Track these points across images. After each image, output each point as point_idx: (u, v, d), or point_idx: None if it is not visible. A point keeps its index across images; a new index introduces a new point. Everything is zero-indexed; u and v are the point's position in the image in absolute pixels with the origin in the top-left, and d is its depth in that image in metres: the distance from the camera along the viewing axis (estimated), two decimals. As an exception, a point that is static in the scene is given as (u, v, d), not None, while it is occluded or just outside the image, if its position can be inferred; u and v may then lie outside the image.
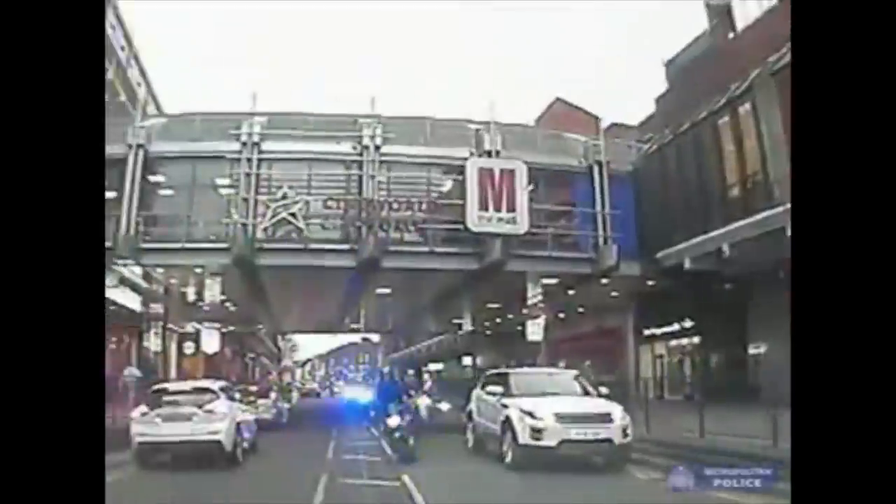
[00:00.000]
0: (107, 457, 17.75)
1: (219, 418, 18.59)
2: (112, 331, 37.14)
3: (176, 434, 18.12)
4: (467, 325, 51.81)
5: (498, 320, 49.41)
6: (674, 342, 38.80)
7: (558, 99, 53.35)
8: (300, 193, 30.68)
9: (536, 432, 17.15)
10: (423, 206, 31.19)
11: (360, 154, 31.54)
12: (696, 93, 31.04)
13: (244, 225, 29.91)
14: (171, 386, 21.43)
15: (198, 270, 33.51)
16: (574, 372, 22.86)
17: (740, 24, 30.68)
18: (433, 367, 77.65)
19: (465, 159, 31.58)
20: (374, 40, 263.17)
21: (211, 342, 46.91)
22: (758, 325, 29.77)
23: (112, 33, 40.61)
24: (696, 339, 36.63)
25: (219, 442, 18.36)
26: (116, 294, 34.23)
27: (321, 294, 42.90)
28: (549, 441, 16.96)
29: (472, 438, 21.71)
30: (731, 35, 31.43)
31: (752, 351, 30.39)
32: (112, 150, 30.06)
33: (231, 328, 52.51)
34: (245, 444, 20.31)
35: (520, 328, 41.03)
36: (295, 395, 60.02)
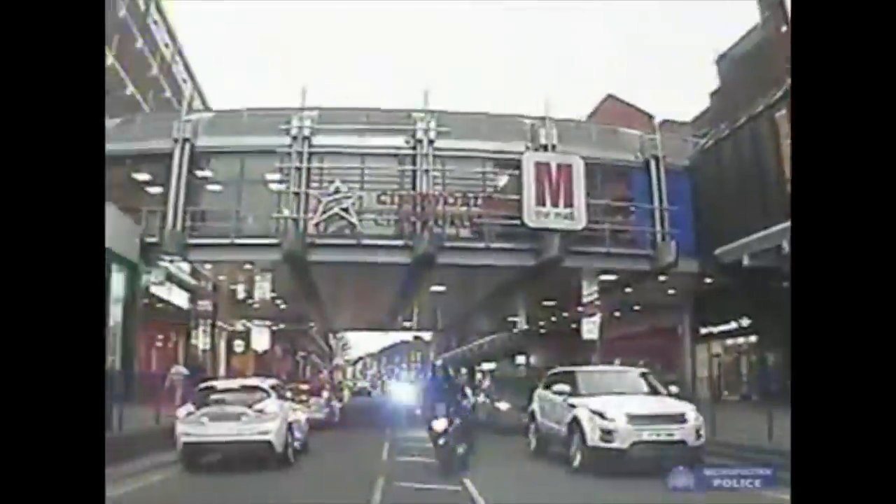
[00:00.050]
0: (152, 457, 17.27)
1: (269, 418, 17.78)
2: (158, 328, 37.07)
3: (224, 434, 17.38)
4: (521, 324, 51.46)
5: (553, 318, 49.12)
6: (730, 341, 38.34)
7: (610, 96, 52.99)
8: (352, 188, 30.28)
9: (607, 434, 16.11)
10: (479, 202, 30.63)
11: (414, 148, 31.30)
12: (751, 87, 30.27)
13: (295, 220, 29.71)
14: (218, 384, 20.58)
15: (247, 267, 33.37)
16: (642, 369, 21.82)
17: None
18: (486, 366, 77.22)
19: (521, 154, 31.22)
20: (426, 38, 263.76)
21: (261, 340, 46.48)
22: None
23: (155, 29, 40.47)
24: (753, 338, 36.06)
25: (269, 442, 17.56)
26: (162, 291, 34.06)
27: (373, 291, 42.62)
28: (620, 443, 15.93)
29: (534, 440, 20.65)
30: (783, 28, 30.34)
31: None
32: (157, 144, 29.97)
33: (281, 326, 52.15)
34: (296, 445, 19.54)
35: (574, 326, 40.27)
36: (347, 393, 59.76)
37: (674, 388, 20.03)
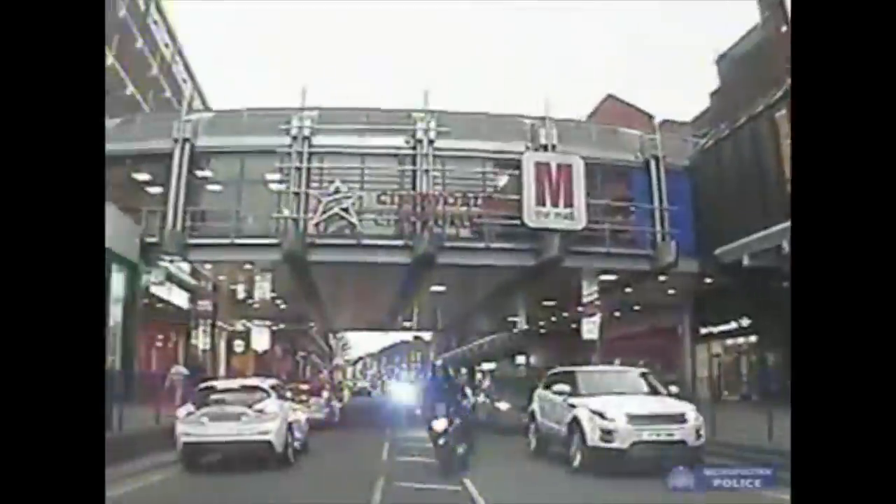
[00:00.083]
0: (151, 457, 17.24)
1: (269, 418, 17.74)
2: (158, 328, 37.05)
3: (224, 434, 17.34)
4: (521, 324, 51.43)
5: (553, 318, 49.07)
6: (730, 341, 38.33)
7: (610, 96, 53.00)
8: (352, 188, 30.26)
9: (607, 434, 16.07)
10: (479, 202, 30.60)
11: (414, 148, 31.29)
12: (751, 87, 30.25)
13: (295, 220, 29.70)
14: (218, 384, 20.54)
15: (247, 267, 33.33)
16: (642, 369, 21.79)
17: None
18: (486, 366, 77.18)
19: (521, 154, 31.20)
20: (426, 38, 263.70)
21: (261, 340, 46.46)
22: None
23: (155, 29, 40.47)
24: (752, 339, 36.00)
25: (269, 442, 17.52)
26: (162, 291, 34.04)
27: (373, 291, 42.60)
28: (620, 443, 15.89)
29: (534, 440, 20.61)
30: (783, 28, 30.33)
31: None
32: (157, 144, 29.98)
33: (282, 326, 52.11)
34: (296, 445, 19.49)
35: (574, 326, 40.23)
36: (346, 393, 59.72)
37: (674, 388, 19.98)
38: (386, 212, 30.34)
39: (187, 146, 30.54)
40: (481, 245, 30.89)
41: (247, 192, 31.43)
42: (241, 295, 38.89)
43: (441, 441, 17.11)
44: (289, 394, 22.30)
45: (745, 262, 28.68)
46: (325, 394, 35.06)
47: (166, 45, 43.52)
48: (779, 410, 16.95)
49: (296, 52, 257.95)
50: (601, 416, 16.34)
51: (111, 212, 27.03)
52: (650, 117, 37.00)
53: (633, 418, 16.16)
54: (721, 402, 29.81)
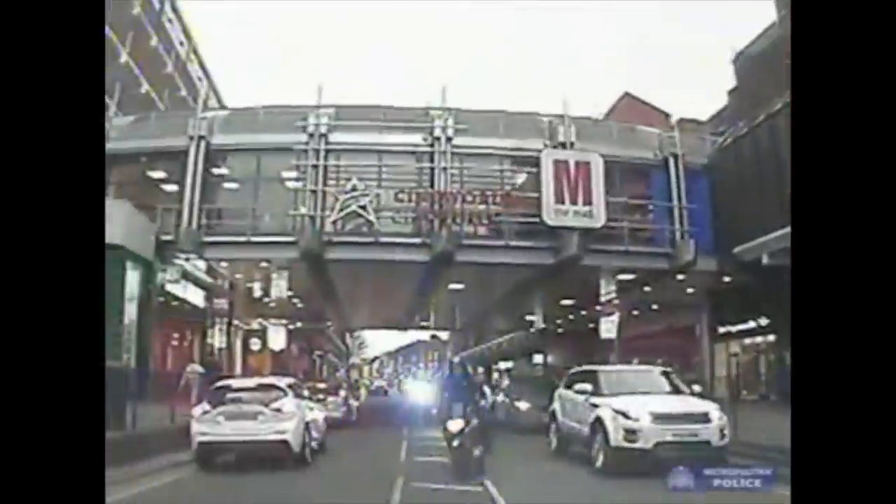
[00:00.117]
0: (166, 456, 17.07)
1: (286, 417, 17.57)
2: (174, 326, 37.02)
3: (240, 433, 17.18)
4: (539, 323, 51.13)
5: (570, 317, 48.77)
6: (748, 340, 37.91)
7: (627, 94, 52.90)
8: (370, 186, 30.09)
9: (631, 434, 15.79)
10: (498, 199, 30.36)
11: (432, 146, 31.07)
12: (769, 84, 29.86)
13: (312, 218, 29.54)
14: (234, 383, 20.29)
15: (264, 265, 33.16)
16: (664, 368, 21.49)
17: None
18: (502, 365, 76.87)
19: (539, 151, 30.92)
20: (442, 38, 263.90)
21: (277, 339, 46.38)
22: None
23: (170, 27, 40.42)
24: (771, 338, 35.46)
25: (286, 442, 17.34)
26: (178, 289, 33.87)
27: (391, 289, 42.48)
28: (643, 443, 15.60)
29: (555, 440, 20.36)
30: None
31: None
32: (172, 142, 29.86)
33: (298, 324, 51.99)
34: (314, 444, 19.30)
35: (592, 325, 39.99)
36: (363, 392, 59.61)
37: (696, 388, 19.67)
38: (404, 209, 30.18)
39: (203, 143, 30.35)
40: (500, 243, 30.64)
41: (263, 189, 31.31)
42: (257, 293, 38.83)
43: (456, 442, 16.57)
44: (306, 393, 22.05)
45: (764, 260, 28.30)
46: (343, 393, 34.92)
47: (181, 44, 43.43)
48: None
49: (311, 51, 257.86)
50: (625, 415, 16.08)
51: (126, 209, 26.90)
52: (667, 116, 36.74)
53: (657, 418, 15.90)
54: (739, 401, 29.57)
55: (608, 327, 36.20)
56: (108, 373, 19.80)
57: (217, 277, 39.06)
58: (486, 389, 28.25)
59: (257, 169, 31.23)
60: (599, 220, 29.96)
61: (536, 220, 30.06)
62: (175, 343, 37.83)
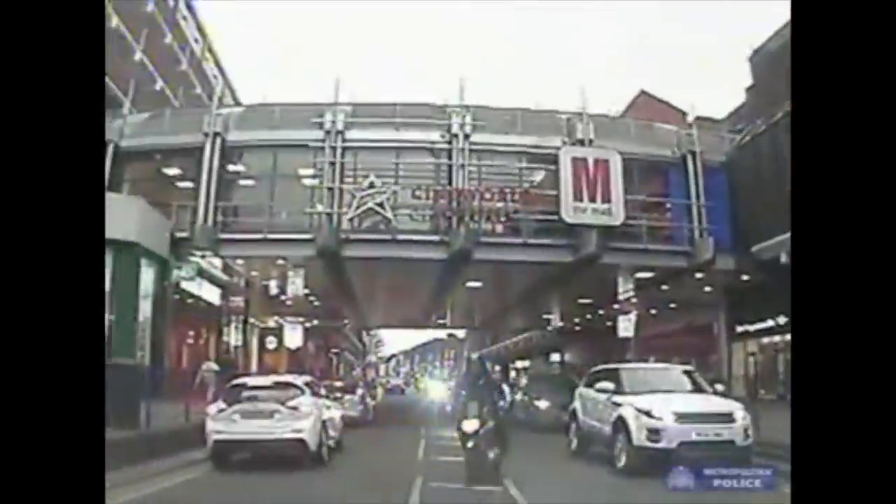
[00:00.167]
0: (181, 455, 16.91)
1: (303, 415, 17.35)
2: (189, 324, 36.91)
3: (256, 432, 16.99)
4: (556, 321, 51.07)
5: (588, 316, 48.54)
6: (766, 339, 37.37)
7: (643, 92, 52.56)
8: (387, 183, 29.95)
9: (654, 433, 15.55)
10: (516, 197, 30.21)
11: (449, 143, 30.86)
12: (787, 82, 29.57)
13: (329, 215, 29.40)
14: (250, 381, 20.10)
15: (280, 262, 32.99)
16: (686, 367, 21.22)
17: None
18: (519, 363, 76.70)
19: (558, 149, 30.71)
20: (458, 37, 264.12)
21: (294, 337, 46.12)
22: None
23: (184, 25, 40.33)
24: (789, 337, 34.90)
25: (303, 441, 17.13)
26: (193, 286, 33.73)
27: (408, 287, 42.37)
28: (667, 443, 15.35)
29: (575, 439, 20.09)
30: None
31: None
32: (187, 139, 29.74)
33: (315, 322, 51.81)
34: (330, 443, 19.16)
35: (609, 324, 39.72)
36: (380, 391, 59.55)
37: (719, 387, 19.39)
38: (421, 207, 30.05)
39: (218, 140, 30.17)
40: (518, 241, 30.44)
41: (279, 186, 31.09)
42: (273, 291, 38.64)
43: (471, 444, 15.51)
44: (323, 391, 21.86)
45: (783, 259, 28.01)
46: (359, 391, 34.76)
47: (196, 41, 43.30)
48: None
49: (326, 50, 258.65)
50: (648, 414, 15.86)
51: (141, 206, 26.77)
52: (684, 114, 36.40)
53: (680, 417, 15.68)
54: (757, 400, 29.44)
55: (626, 326, 36.02)
56: (122, 370, 19.66)
57: (233, 275, 38.99)
58: (505, 388, 27.96)
59: (273, 166, 31.01)
60: (618, 218, 29.72)
61: (555, 217, 29.84)
62: (190, 341, 37.72)
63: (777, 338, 36.01)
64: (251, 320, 46.40)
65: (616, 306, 37.32)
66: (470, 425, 15.45)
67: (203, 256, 31.45)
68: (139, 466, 15.78)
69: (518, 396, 31.77)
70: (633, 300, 36.10)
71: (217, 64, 47.65)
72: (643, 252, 31.25)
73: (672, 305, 41.30)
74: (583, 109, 31.69)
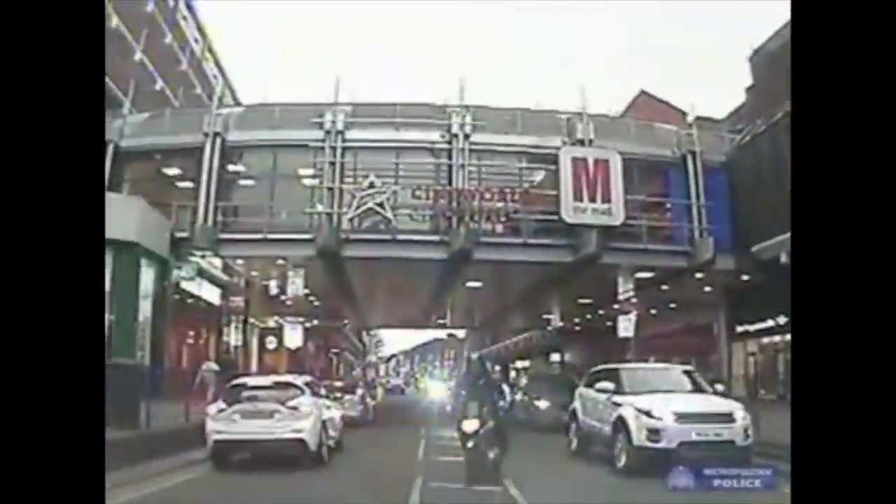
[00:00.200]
0: (181, 455, 16.94)
1: (303, 415, 17.36)
2: (189, 324, 36.93)
3: (256, 432, 17.00)
4: (556, 321, 51.08)
5: (588, 316, 48.58)
6: (766, 339, 37.40)
7: (643, 92, 52.58)
8: (387, 183, 29.98)
9: (654, 433, 15.58)
10: (516, 196, 30.25)
11: (449, 143, 30.88)
12: (787, 82, 29.59)
13: (329, 215, 29.43)
14: (250, 381, 20.12)
15: (280, 262, 33.01)
16: (686, 367, 21.24)
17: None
18: (519, 363, 76.67)
19: (558, 149, 30.73)
20: (458, 37, 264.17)
21: (294, 337, 46.12)
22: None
23: (185, 25, 40.35)
24: (789, 337, 34.92)
25: (303, 441, 17.14)
26: (193, 286, 33.78)
27: (408, 287, 42.44)
28: (667, 443, 15.37)
29: (575, 439, 20.10)
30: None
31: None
32: (187, 139, 29.75)
33: (315, 323, 51.80)
34: (330, 443, 19.16)
35: (609, 324, 39.74)
36: (380, 391, 59.58)
37: (719, 387, 19.41)
38: (421, 207, 30.08)
39: (218, 140, 30.18)
40: (518, 241, 30.46)
41: (279, 186, 31.10)
42: (273, 291, 38.64)
43: (471, 444, 15.48)
44: (323, 391, 21.87)
45: (783, 259, 28.04)
46: (359, 391, 34.77)
47: (196, 41, 43.29)
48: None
49: (326, 50, 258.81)
50: (648, 414, 15.88)
51: (141, 206, 26.79)
52: (684, 114, 36.41)
53: (680, 417, 15.70)
54: (757, 400, 29.48)
55: (626, 326, 36.03)
56: (122, 370, 19.68)
57: (233, 275, 39.01)
58: (506, 388, 27.97)
59: (273, 166, 31.02)
60: (618, 218, 29.74)
61: (555, 217, 29.86)
62: (190, 341, 37.73)
63: (777, 338, 36.03)
64: (251, 320, 46.43)
65: (616, 306, 37.32)
66: (470, 425, 15.46)
67: (203, 256, 31.47)
68: (139, 466, 15.78)
69: (518, 396, 31.78)
70: (633, 300, 36.11)
71: (217, 64, 47.64)
72: (643, 252, 31.27)
73: (672, 305, 41.32)
74: (583, 109, 31.69)
